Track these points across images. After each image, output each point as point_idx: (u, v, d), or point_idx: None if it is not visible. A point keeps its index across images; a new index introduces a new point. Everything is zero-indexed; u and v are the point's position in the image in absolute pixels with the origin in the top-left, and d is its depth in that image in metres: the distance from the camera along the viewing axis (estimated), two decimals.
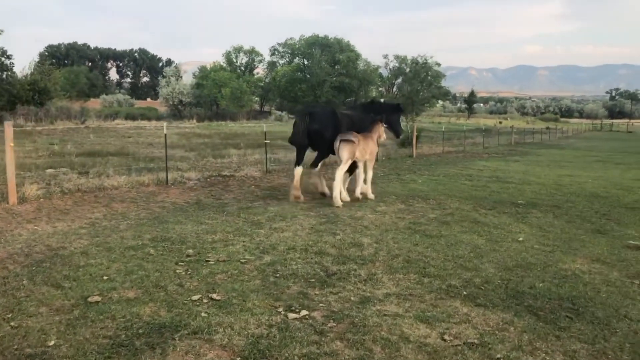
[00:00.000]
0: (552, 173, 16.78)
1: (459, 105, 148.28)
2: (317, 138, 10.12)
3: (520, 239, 7.45)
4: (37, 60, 52.14)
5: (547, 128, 59.37)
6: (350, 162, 9.83)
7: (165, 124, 17.67)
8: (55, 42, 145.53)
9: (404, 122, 42.05)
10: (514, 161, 21.38)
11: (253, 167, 15.42)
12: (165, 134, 12.89)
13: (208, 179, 12.84)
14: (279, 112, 70.16)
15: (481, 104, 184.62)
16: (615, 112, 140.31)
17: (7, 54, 46.11)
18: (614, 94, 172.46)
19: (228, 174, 13.75)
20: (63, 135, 29.43)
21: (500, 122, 74.89)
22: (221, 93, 71.86)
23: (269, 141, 15.58)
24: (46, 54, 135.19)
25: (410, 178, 14.33)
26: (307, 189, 10.86)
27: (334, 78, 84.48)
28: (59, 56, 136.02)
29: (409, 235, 7.50)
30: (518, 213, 9.44)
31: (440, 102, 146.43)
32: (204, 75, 79.05)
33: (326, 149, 10.24)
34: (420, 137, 27.91)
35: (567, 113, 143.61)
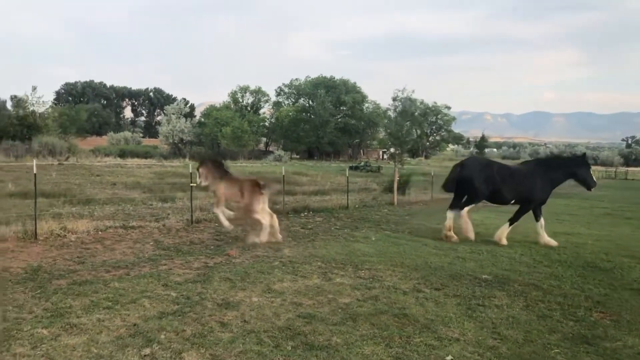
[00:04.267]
0: (547, 230, 13.88)
1: (471, 149, 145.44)
2: (466, 186, 11.20)
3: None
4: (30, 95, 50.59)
5: None
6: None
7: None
8: (72, 80, 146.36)
9: (394, 165, 39.57)
10: (507, 213, 18.44)
11: (181, 215, 12.83)
12: (35, 174, 10.22)
13: (100, 232, 10.23)
14: (278, 153, 67.88)
15: (494, 149, 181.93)
16: (631, 160, 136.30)
17: None
18: (630, 142, 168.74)
19: (136, 225, 11.15)
20: (26, 171, 27.21)
21: None
22: (222, 132, 70.05)
23: (195, 184, 12.94)
24: (62, 91, 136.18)
25: (363, 235, 11.58)
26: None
27: (339, 119, 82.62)
28: (74, 94, 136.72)
29: (273, 347, 4.74)
30: (474, 297, 6.63)
31: (451, 146, 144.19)
32: (206, 113, 77.69)
33: (476, 197, 11.30)
34: (410, 182, 25.26)
35: None
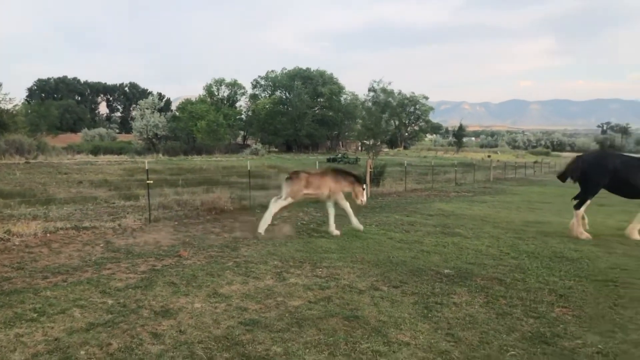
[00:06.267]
0: (518, 219, 13.69)
1: (450, 139, 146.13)
2: (583, 178, 11.14)
3: None
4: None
5: (535, 162, 56.55)
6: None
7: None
8: (45, 77, 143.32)
9: (368, 156, 39.25)
10: (481, 202, 18.31)
11: (141, 214, 12.34)
12: None
13: (49, 234, 9.69)
14: (255, 146, 67.14)
15: (472, 138, 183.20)
16: (606, 146, 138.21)
17: None
18: (605, 128, 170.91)
19: (89, 226, 10.63)
20: None
21: (489, 156, 72.07)
22: (197, 126, 69.05)
23: (151, 181, 12.41)
24: (35, 88, 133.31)
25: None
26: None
27: (316, 111, 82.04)
28: (48, 90, 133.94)
29: None
30: (433, 294, 6.29)
31: (429, 135, 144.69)
32: (181, 107, 76.54)
33: (591, 190, 11.04)
34: (384, 172, 24.97)
35: (559, 147, 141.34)
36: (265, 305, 5.75)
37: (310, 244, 9.38)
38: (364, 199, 10.93)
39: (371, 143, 48.09)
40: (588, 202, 11.17)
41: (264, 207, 14.54)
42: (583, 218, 11.22)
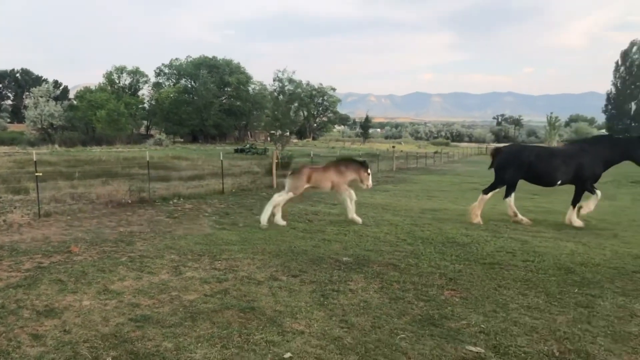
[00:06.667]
0: (417, 207, 14.26)
1: (357, 130, 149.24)
2: (497, 169, 11.87)
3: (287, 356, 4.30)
4: None
5: (436, 152, 59.11)
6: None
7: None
8: None
9: (275, 147, 39.32)
10: (383, 191, 18.87)
11: (29, 208, 11.55)
12: None
13: None
14: (159, 136, 64.98)
15: (378, 129, 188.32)
16: (501, 137, 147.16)
17: None
18: (500, 120, 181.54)
19: None
20: None
21: (393, 147, 74.38)
22: (96, 115, 65.70)
23: (40, 173, 11.66)
24: None
25: (232, 221, 11.08)
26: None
27: (224, 100, 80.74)
28: None
29: None
30: (330, 282, 6.40)
31: (337, 127, 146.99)
32: (79, 96, 72.49)
33: (501, 181, 11.76)
34: (291, 164, 25.07)
35: (458, 137, 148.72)
36: (158, 300, 5.57)
37: (210, 237, 9.21)
38: (370, 183, 11.33)
39: (278, 134, 48.02)
40: (496, 190, 11.89)
41: (164, 200, 14.15)
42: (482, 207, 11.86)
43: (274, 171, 19.76)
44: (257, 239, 9.10)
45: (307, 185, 10.84)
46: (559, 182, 11.57)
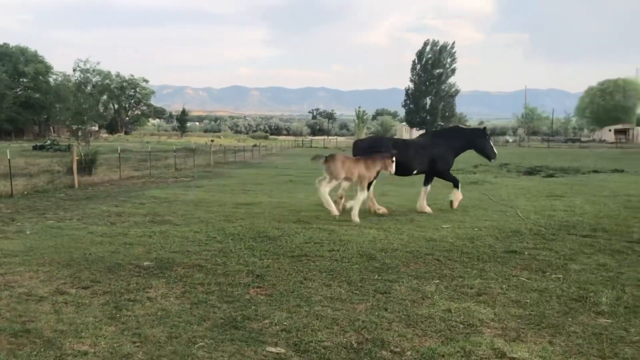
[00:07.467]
0: (231, 201, 14.00)
1: (174, 123, 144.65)
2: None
3: None
4: None
5: (254, 146, 59.58)
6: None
7: None
8: None
9: (76, 143, 36.31)
10: (197, 187, 18.30)
11: None
12: None
13: None
14: None
15: (196, 123, 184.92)
16: (316, 130, 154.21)
17: None
18: (315, 114, 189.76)
19: None
20: None
21: (212, 141, 73.33)
22: None
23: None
24: None
25: (17, 228, 9.73)
26: None
27: (19, 92, 72.29)
28: None
29: None
30: (127, 291, 5.82)
31: (152, 120, 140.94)
32: None
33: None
34: (96, 161, 23.13)
35: (276, 131, 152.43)
36: None
37: None
38: (393, 169, 11.28)
39: (78, 128, 44.00)
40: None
41: None
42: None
43: (75, 170, 18.03)
44: (45, 247, 8.05)
45: (344, 174, 11.07)
46: (415, 172, 12.49)
